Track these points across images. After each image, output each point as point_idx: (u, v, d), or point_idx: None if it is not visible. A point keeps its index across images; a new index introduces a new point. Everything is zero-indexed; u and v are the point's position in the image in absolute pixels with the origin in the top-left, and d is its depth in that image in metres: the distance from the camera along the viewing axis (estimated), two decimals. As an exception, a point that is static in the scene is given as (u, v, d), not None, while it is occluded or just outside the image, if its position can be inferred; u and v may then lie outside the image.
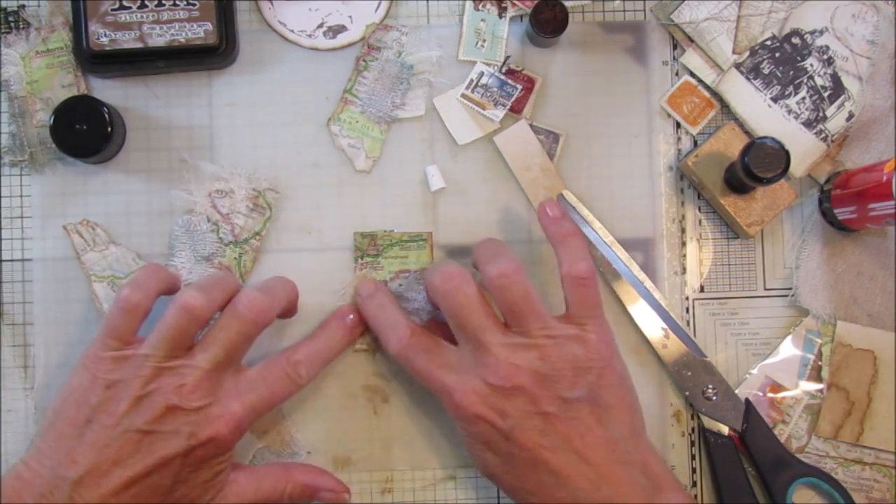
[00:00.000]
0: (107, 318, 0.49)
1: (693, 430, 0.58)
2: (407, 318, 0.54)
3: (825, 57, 0.58)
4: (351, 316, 0.55)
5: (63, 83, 0.57)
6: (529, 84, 0.58)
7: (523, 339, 0.49)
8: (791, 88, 0.58)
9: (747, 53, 0.58)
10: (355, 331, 0.55)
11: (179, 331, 0.49)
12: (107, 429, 0.47)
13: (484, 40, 0.58)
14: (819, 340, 0.58)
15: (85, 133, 0.54)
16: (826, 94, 0.58)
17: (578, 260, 0.51)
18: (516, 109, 0.58)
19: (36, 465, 0.47)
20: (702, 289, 0.59)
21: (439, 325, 0.55)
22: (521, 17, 0.59)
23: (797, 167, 0.58)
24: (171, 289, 0.52)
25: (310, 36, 0.58)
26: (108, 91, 0.57)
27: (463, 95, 0.58)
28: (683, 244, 0.59)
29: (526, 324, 0.49)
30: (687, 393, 0.57)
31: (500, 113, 0.57)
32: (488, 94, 0.58)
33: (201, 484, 0.49)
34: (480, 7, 0.59)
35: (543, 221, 0.53)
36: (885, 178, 0.52)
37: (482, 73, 0.58)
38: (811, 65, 0.58)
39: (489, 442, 0.49)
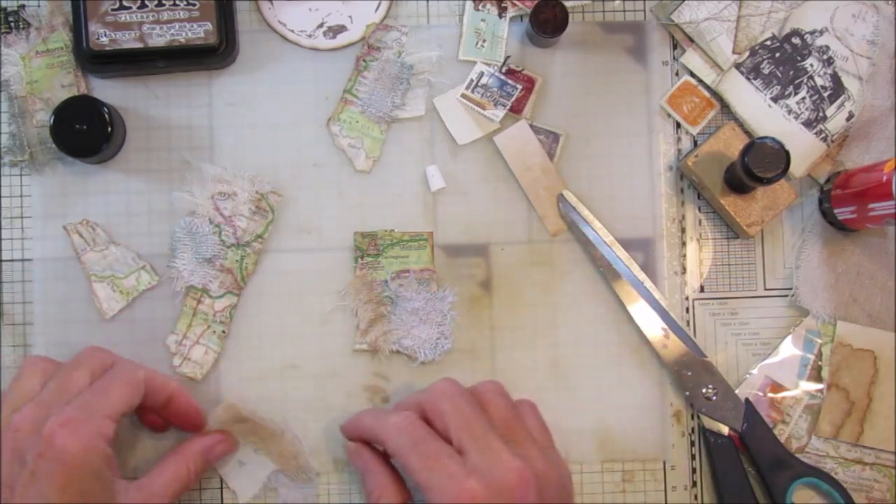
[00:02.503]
0: None
1: (693, 430, 0.58)
2: None
3: (825, 57, 0.58)
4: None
5: (63, 83, 0.56)
6: (529, 84, 0.58)
7: (519, 446, 0.49)
8: (791, 88, 0.58)
9: (747, 53, 0.58)
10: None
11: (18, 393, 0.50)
12: None
13: (484, 40, 0.58)
14: (819, 340, 0.58)
15: (85, 133, 0.54)
16: (826, 94, 0.58)
17: None
18: (516, 109, 0.58)
19: None
20: (702, 289, 0.59)
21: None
22: (521, 17, 0.59)
23: (797, 167, 0.58)
24: None
25: (310, 36, 0.58)
26: (108, 91, 0.57)
27: (463, 95, 0.58)
28: (683, 244, 0.59)
29: (516, 433, 0.50)
30: (687, 393, 0.57)
31: (500, 113, 0.57)
32: (488, 94, 0.58)
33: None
34: (480, 7, 0.59)
35: None
36: (885, 178, 0.52)
37: (482, 73, 0.58)
38: (811, 65, 0.58)
39: None
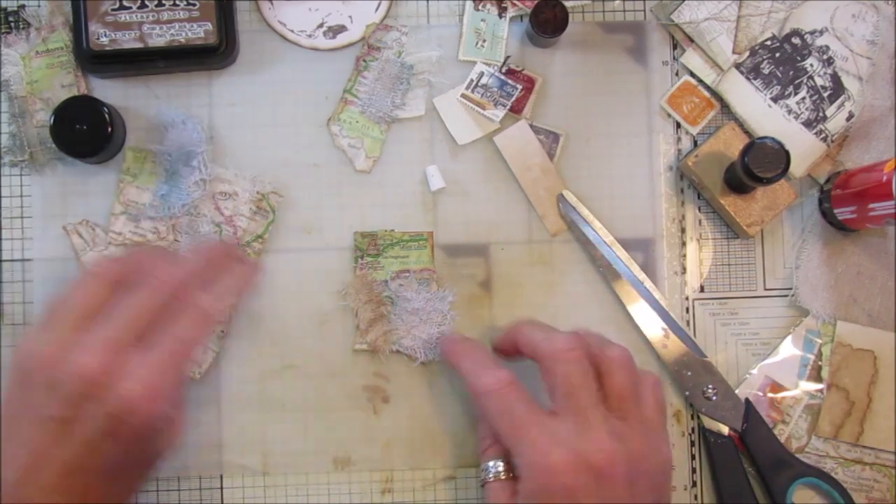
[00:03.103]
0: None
1: (693, 430, 0.58)
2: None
3: (825, 57, 0.58)
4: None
5: (63, 83, 0.56)
6: (529, 84, 0.58)
7: (623, 424, 0.48)
8: (791, 88, 0.58)
9: (747, 53, 0.58)
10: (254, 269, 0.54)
11: (81, 306, 0.47)
12: (29, 423, 0.44)
13: (484, 40, 0.58)
14: (819, 340, 0.58)
15: (85, 133, 0.54)
16: (826, 94, 0.58)
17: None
18: (516, 109, 0.58)
19: None
20: (702, 289, 0.59)
21: None
22: (521, 17, 0.59)
23: (797, 167, 0.58)
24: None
25: (310, 36, 0.58)
26: (108, 91, 0.57)
27: (463, 95, 0.58)
28: (683, 244, 0.59)
29: (627, 409, 0.49)
30: (687, 393, 0.57)
31: (500, 113, 0.57)
32: (488, 94, 0.58)
33: (158, 456, 0.48)
34: (480, 7, 0.59)
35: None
36: (885, 178, 0.52)
37: (482, 73, 0.58)
38: (811, 65, 0.58)
39: None
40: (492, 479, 0.50)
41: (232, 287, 0.51)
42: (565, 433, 0.47)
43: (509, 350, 0.53)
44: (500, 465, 0.50)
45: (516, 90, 0.58)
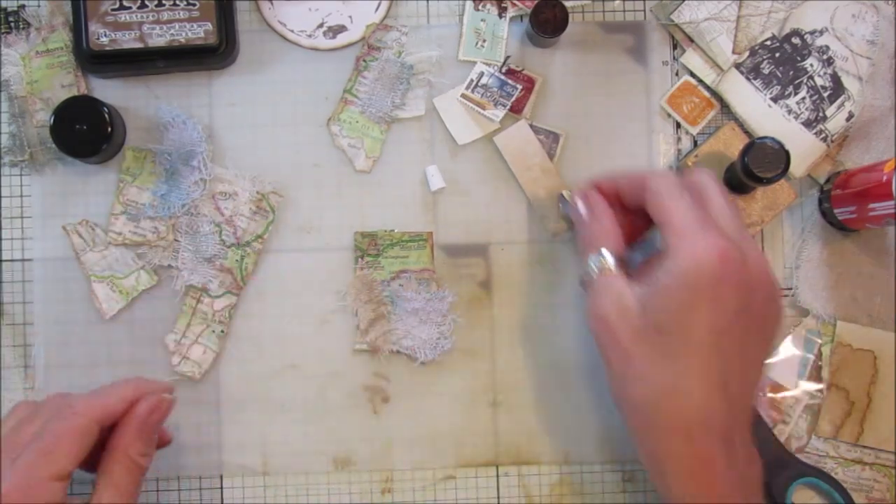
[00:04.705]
0: None
1: (693, 429, 0.58)
2: None
3: (825, 57, 0.58)
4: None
5: (63, 83, 0.56)
6: (529, 84, 0.58)
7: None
8: (791, 88, 0.58)
9: (747, 53, 0.58)
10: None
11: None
12: None
13: (484, 40, 0.58)
14: (819, 340, 0.58)
15: (85, 133, 0.54)
16: (826, 94, 0.58)
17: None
18: (516, 109, 0.58)
19: None
20: (702, 289, 0.59)
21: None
22: (521, 17, 0.59)
23: (797, 167, 0.58)
24: None
25: (310, 36, 0.58)
26: (108, 91, 0.57)
27: (463, 95, 0.58)
28: (683, 244, 0.59)
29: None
30: (687, 393, 0.57)
31: (500, 113, 0.57)
32: (488, 94, 0.58)
33: None
34: (480, 7, 0.59)
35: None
36: (885, 178, 0.52)
37: (482, 73, 0.58)
38: (811, 65, 0.58)
39: (725, 311, 0.45)
40: (597, 273, 0.49)
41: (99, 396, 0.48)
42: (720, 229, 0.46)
43: (630, 201, 0.51)
44: (612, 258, 0.49)
45: (516, 90, 0.58)
